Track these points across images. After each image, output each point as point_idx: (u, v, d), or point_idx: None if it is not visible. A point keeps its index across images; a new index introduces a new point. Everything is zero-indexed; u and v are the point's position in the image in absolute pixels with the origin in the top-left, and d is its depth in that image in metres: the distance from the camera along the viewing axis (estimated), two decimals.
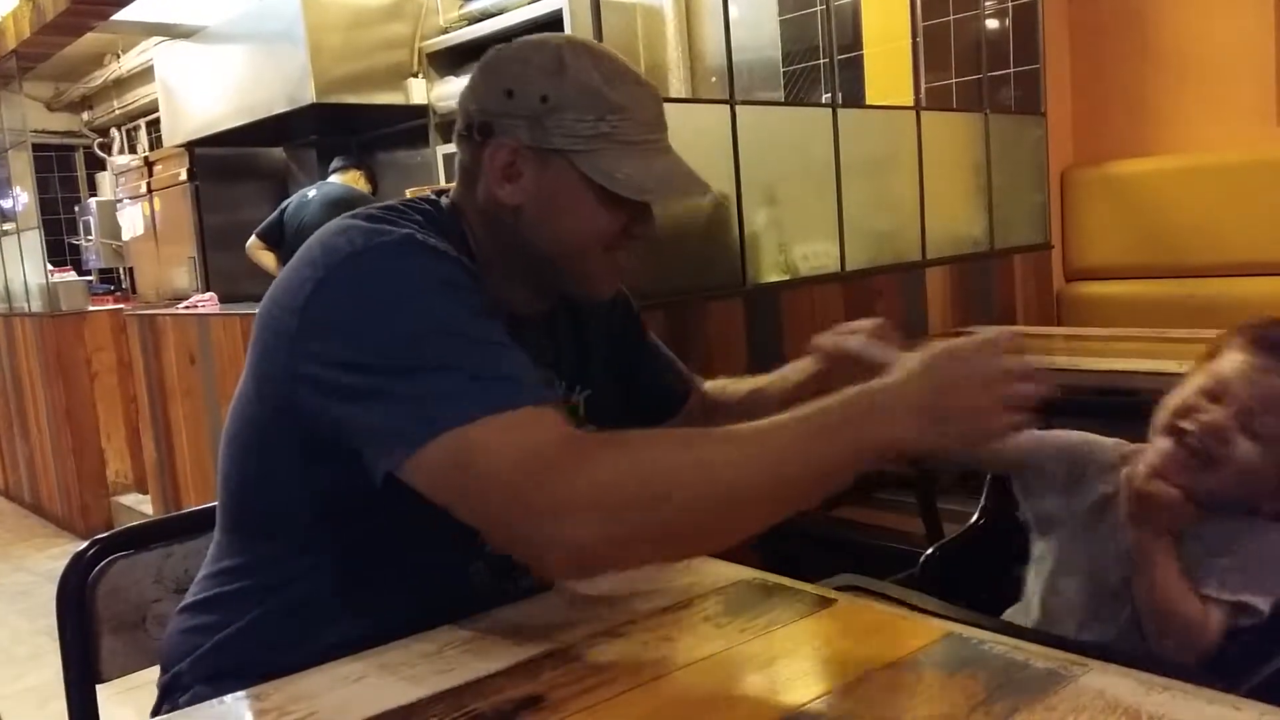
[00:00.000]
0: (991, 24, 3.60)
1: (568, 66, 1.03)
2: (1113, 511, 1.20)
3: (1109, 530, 1.19)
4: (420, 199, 1.12)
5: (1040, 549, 1.28)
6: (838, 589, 1.07)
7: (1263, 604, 1.10)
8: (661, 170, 1.06)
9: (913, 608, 1.04)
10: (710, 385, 1.40)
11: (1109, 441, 1.26)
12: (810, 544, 1.85)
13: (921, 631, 0.94)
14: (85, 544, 1.21)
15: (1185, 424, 1.14)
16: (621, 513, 0.85)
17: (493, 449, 0.86)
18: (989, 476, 1.51)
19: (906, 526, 2.01)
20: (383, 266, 0.95)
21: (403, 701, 0.85)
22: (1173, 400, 1.18)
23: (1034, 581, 1.27)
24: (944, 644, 0.90)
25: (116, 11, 4.19)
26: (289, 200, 4.47)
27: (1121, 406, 1.67)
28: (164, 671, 1.14)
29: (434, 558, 1.04)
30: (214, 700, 0.87)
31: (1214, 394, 1.14)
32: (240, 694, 0.88)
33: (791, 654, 0.93)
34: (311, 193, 4.36)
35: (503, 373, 0.90)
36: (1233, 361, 1.15)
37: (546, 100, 1.02)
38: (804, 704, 0.81)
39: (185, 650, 1.09)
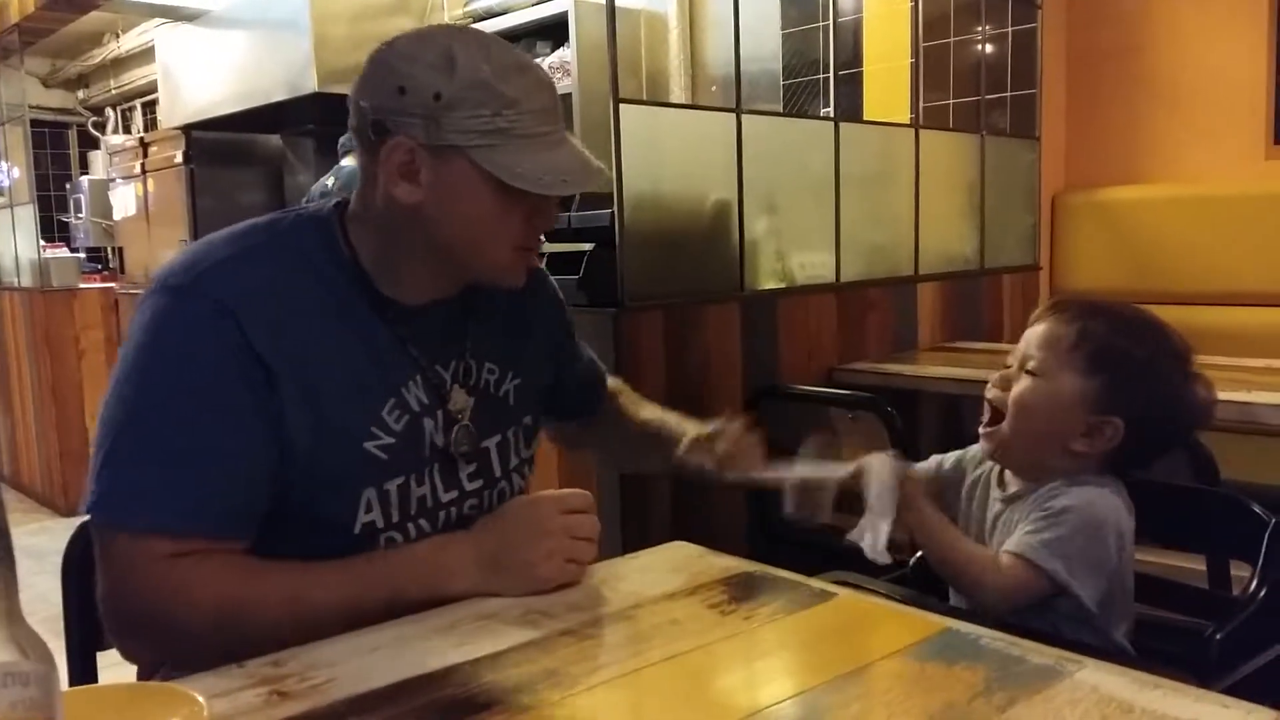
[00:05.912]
0: (991, 48, 3.65)
1: (458, 62, 1.04)
2: (980, 490, 1.39)
3: (978, 506, 1.40)
4: (307, 209, 1.17)
5: None
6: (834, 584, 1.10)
7: (1060, 569, 1.21)
8: (559, 162, 1.08)
9: (907, 603, 1.08)
10: (613, 384, 1.50)
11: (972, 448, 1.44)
12: (798, 548, 1.87)
13: (920, 625, 0.97)
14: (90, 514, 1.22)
15: (987, 389, 1.34)
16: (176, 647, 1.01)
17: (113, 563, 1.00)
18: None
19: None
20: (151, 320, 1.03)
21: (420, 671, 0.87)
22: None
23: None
24: (943, 637, 0.93)
25: None
26: (310, 193, 4.46)
27: None
28: None
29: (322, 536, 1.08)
30: (233, 665, 0.89)
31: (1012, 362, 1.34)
32: (260, 660, 0.90)
33: (795, 642, 0.96)
34: (330, 181, 4.35)
35: (160, 491, 0.99)
36: (1028, 330, 1.34)
37: (440, 98, 1.03)
38: (809, 688, 0.84)
39: None
